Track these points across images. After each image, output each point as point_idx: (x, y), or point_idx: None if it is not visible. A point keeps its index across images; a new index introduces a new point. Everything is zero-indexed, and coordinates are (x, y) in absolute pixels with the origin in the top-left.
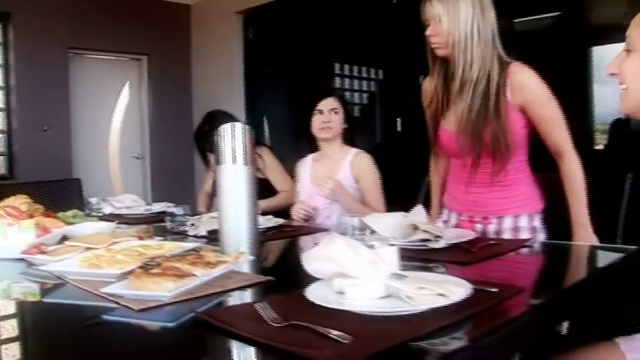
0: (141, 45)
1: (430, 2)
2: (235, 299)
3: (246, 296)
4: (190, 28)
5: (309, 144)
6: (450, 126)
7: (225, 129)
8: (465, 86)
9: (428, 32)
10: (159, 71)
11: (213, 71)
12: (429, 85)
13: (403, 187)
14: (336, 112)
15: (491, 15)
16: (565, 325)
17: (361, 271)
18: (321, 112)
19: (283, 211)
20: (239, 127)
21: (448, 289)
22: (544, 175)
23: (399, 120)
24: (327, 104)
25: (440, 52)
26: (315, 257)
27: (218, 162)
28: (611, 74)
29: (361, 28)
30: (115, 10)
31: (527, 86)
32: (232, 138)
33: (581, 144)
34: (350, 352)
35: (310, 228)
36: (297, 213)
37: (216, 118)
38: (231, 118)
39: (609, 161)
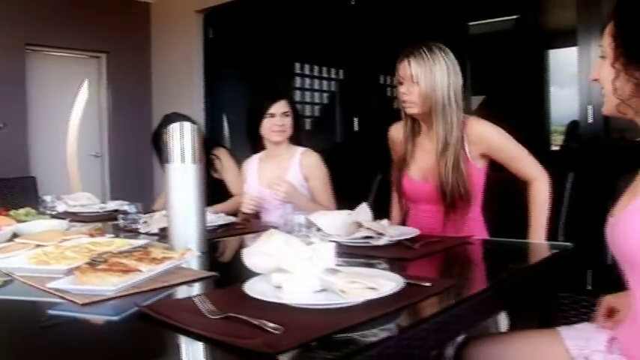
0: (100, 42)
1: (408, 62)
2: (180, 294)
3: (191, 291)
4: (150, 26)
5: (255, 144)
6: (413, 174)
7: (174, 128)
8: (447, 149)
9: (402, 91)
10: (118, 69)
11: (173, 70)
12: (395, 133)
13: (359, 186)
14: (287, 115)
15: (460, 80)
16: (504, 317)
17: (297, 266)
18: (273, 115)
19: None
20: (187, 126)
21: (379, 283)
22: (496, 175)
23: (356, 120)
24: (280, 108)
25: (410, 111)
26: (254, 253)
27: (167, 161)
28: (594, 80)
29: (321, 29)
30: (74, 7)
31: (487, 136)
32: (181, 137)
33: (538, 145)
34: (279, 341)
35: (260, 226)
36: (247, 205)
37: (173, 121)
38: (187, 120)
39: (564, 162)
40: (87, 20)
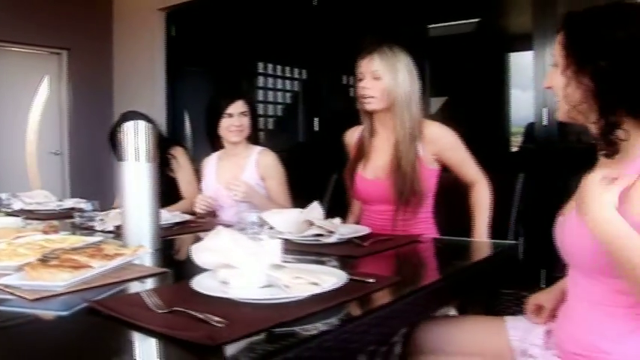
0: (61, 39)
1: (371, 59)
2: (132, 290)
3: (143, 287)
4: (112, 23)
5: (214, 143)
6: (367, 174)
7: (129, 127)
8: (410, 143)
9: (362, 85)
10: (79, 66)
11: (135, 68)
12: (349, 138)
13: (318, 185)
14: (245, 115)
15: (418, 84)
16: (453, 312)
17: (243, 261)
18: (230, 115)
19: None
20: (142, 125)
21: (321, 279)
22: (450, 176)
23: (316, 120)
24: (237, 108)
25: (369, 106)
26: (202, 249)
27: (121, 159)
28: (547, 87)
29: (284, 29)
30: (35, 2)
31: (440, 137)
32: (135, 136)
33: (498, 147)
34: (220, 333)
35: (214, 223)
36: (200, 206)
37: (130, 119)
38: (145, 119)
39: (521, 163)
40: (48, 16)
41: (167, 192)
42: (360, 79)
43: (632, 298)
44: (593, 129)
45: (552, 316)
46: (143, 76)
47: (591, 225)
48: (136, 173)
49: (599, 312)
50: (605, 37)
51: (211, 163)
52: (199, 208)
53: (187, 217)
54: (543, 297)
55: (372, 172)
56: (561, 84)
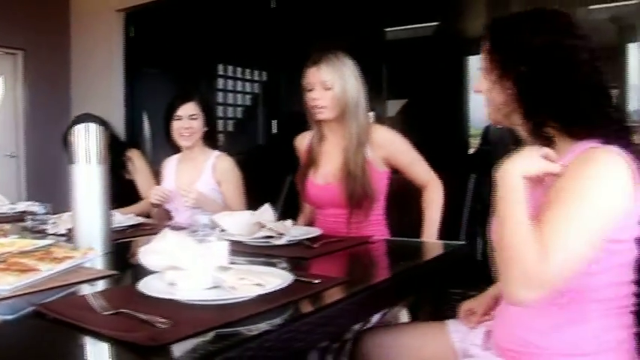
0: (16, 39)
1: (318, 68)
2: (81, 293)
3: (93, 290)
4: (69, 24)
5: (172, 146)
6: (317, 179)
7: (79, 129)
8: (360, 148)
9: (314, 96)
10: (36, 67)
11: (93, 69)
12: (299, 144)
13: (275, 187)
14: (194, 119)
15: (363, 86)
16: (404, 313)
17: (190, 263)
18: (180, 118)
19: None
20: (93, 127)
21: (266, 280)
22: (396, 176)
23: (274, 122)
24: (186, 111)
25: (322, 116)
26: (149, 252)
27: (72, 161)
28: (477, 91)
29: (243, 31)
30: None
31: (389, 141)
32: (86, 138)
33: (457, 148)
34: (163, 334)
35: (168, 226)
36: (154, 196)
37: (83, 122)
38: (99, 121)
39: (479, 164)
40: (2, 16)
41: (126, 194)
42: (310, 90)
43: (556, 294)
44: (521, 131)
45: (487, 317)
46: (101, 77)
47: (499, 174)
48: (87, 175)
49: (530, 309)
50: (526, 44)
51: (171, 164)
52: (154, 199)
53: (141, 219)
54: (475, 302)
55: (323, 178)
56: (487, 88)
